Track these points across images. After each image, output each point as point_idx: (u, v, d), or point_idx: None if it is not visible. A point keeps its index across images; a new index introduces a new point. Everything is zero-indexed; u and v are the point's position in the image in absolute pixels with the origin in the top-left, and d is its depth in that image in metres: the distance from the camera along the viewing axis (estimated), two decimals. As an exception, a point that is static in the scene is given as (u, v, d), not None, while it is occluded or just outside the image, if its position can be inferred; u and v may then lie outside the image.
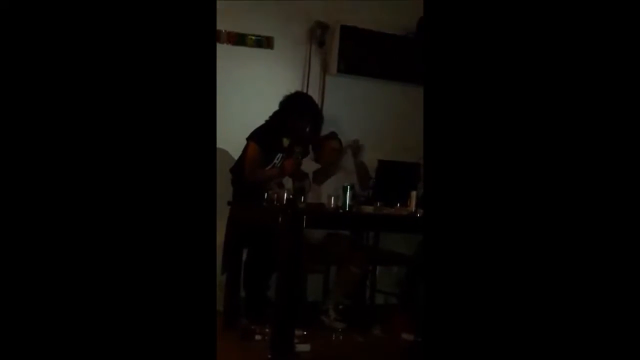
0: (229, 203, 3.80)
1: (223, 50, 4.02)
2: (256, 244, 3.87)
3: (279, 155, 3.94)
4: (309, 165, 4.06)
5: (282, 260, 3.16)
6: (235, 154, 3.98)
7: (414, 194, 3.47)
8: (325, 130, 4.22)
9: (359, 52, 4.51)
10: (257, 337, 3.49)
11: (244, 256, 3.93)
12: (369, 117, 4.69)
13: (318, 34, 4.48)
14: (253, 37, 4.36)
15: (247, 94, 4.31)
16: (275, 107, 3.97)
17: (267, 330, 3.44)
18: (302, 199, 3.41)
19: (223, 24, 4.18)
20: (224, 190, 3.76)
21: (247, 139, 3.88)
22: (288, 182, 4.00)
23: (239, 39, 4.31)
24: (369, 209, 3.48)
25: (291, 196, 3.36)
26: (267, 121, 3.95)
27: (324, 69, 4.57)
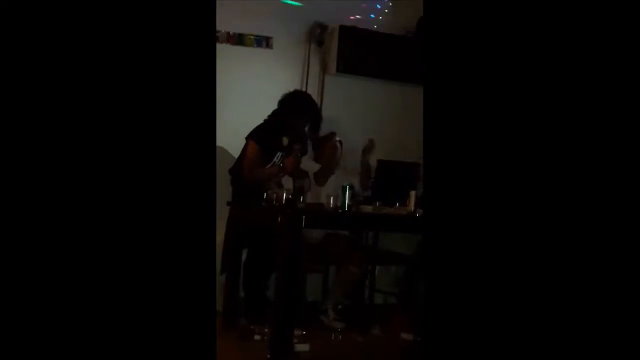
0: (228, 203, 3.79)
1: (223, 50, 4.02)
2: (256, 244, 3.87)
3: (279, 154, 3.94)
4: (309, 165, 4.06)
5: (281, 261, 3.16)
6: (235, 153, 3.98)
7: (413, 194, 3.48)
8: (324, 130, 4.21)
9: (358, 52, 4.51)
10: (257, 337, 3.49)
11: (244, 256, 3.93)
12: (368, 117, 4.70)
13: (317, 34, 4.48)
14: (252, 37, 4.37)
15: (247, 94, 4.31)
16: (274, 108, 3.97)
17: (266, 330, 3.44)
18: (302, 199, 3.41)
19: (223, 24, 4.18)
20: (223, 190, 3.76)
21: (247, 138, 3.88)
22: (288, 182, 4.00)
23: (238, 39, 4.32)
24: (368, 209, 3.48)
25: (290, 196, 3.36)
26: (266, 120, 3.94)
27: (323, 69, 4.58)
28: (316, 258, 3.92)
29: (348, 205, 3.31)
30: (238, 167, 3.89)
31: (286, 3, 4.42)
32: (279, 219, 3.17)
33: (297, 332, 3.31)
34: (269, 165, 3.92)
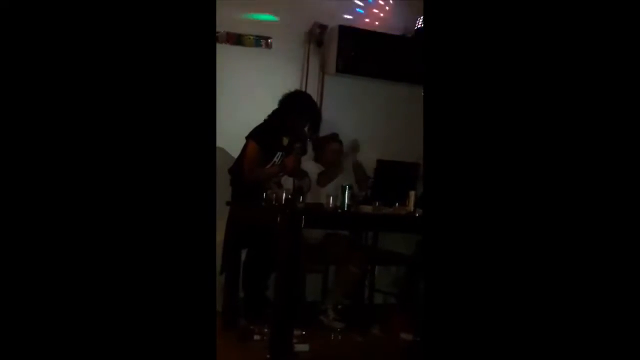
0: (228, 203, 3.79)
1: (222, 51, 4.01)
2: (255, 244, 3.87)
3: (279, 154, 3.94)
4: (309, 165, 4.06)
5: (281, 261, 3.16)
6: (235, 153, 3.98)
7: (412, 194, 3.48)
8: (324, 131, 4.22)
9: (357, 52, 4.50)
10: (256, 337, 3.49)
11: (243, 256, 3.93)
12: (368, 117, 4.70)
13: (317, 34, 4.48)
14: (252, 38, 4.37)
15: (246, 94, 4.31)
16: (274, 108, 3.97)
17: (266, 330, 3.44)
18: (301, 199, 3.41)
19: (222, 25, 4.18)
20: (223, 190, 3.76)
21: (247, 137, 3.88)
22: (287, 182, 4.00)
23: (237, 40, 4.32)
24: (367, 209, 3.48)
25: (290, 196, 3.36)
26: (266, 120, 3.94)
27: (323, 69, 4.58)
28: (316, 258, 3.93)
29: (347, 205, 3.31)
30: (238, 167, 3.89)
31: (286, 2, 4.42)
32: (279, 219, 3.17)
33: (296, 332, 3.31)
34: (269, 165, 3.92)
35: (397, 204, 3.51)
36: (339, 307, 3.91)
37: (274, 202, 3.36)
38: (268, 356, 3.09)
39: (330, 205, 3.35)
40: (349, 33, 4.49)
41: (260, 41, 4.38)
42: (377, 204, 3.51)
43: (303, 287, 4.06)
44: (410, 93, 4.58)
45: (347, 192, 3.31)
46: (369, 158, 4.12)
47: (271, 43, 4.41)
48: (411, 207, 3.45)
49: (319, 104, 4.41)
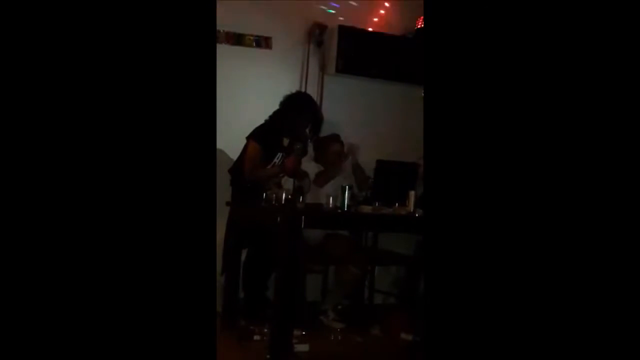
0: (228, 203, 3.79)
1: (222, 50, 4.01)
2: (255, 245, 3.87)
3: (279, 155, 3.94)
4: (310, 166, 4.06)
5: (281, 261, 3.16)
6: (234, 154, 3.98)
7: (412, 193, 3.48)
8: (324, 131, 4.22)
9: (357, 52, 4.51)
10: (256, 337, 3.49)
11: (243, 256, 3.93)
12: (368, 117, 4.70)
13: (316, 34, 4.48)
14: (251, 37, 4.37)
15: (245, 94, 4.31)
16: (274, 107, 3.97)
17: (265, 330, 3.45)
18: (301, 199, 3.42)
19: (222, 25, 4.18)
20: (223, 190, 3.76)
21: (247, 137, 3.88)
22: (287, 182, 4.00)
23: (237, 39, 4.32)
24: (367, 209, 3.48)
25: (290, 196, 3.36)
26: (267, 120, 3.94)
27: (322, 69, 4.58)
28: (316, 258, 3.93)
29: (347, 205, 3.32)
30: (238, 167, 3.89)
31: (285, 2, 4.42)
32: (278, 219, 3.17)
33: (296, 332, 3.32)
34: (269, 166, 3.92)
35: (396, 204, 3.51)
36: (339, 307, 3.92)
37: (273, 202, 3.36)
38: (268, 356, 3.09)
39: (330, 206, 3.35)
40: (348, 33, 4.49)
41: (260, 41, 4.38)
42: (377, 204, 3.51)
43: (303, 287, 4.06)
44: (410, 93, 4.58)
45: (346, 192, 3.31)
46: (368, 158, 4.12)
47: (271, 43, 4.40)
48: (411, 207, 3.45)
49: (318, 103, 4.41)
